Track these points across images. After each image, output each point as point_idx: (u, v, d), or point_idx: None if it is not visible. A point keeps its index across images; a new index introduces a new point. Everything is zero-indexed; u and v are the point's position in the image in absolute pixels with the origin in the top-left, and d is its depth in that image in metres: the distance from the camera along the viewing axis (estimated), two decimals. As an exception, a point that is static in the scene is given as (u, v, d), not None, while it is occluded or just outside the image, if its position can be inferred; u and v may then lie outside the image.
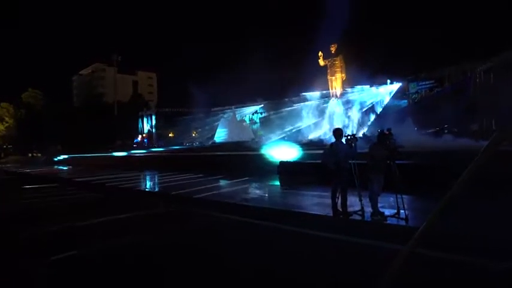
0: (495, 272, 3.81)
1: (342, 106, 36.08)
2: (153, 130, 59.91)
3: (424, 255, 3.67)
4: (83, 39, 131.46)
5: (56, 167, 32.77)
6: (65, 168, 30.33)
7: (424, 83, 42.69)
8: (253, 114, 53.92)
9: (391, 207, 6.49)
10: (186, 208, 8.63)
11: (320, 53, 34.88)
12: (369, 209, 6.48)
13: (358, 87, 38.19)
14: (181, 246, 5.46)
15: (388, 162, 6.39)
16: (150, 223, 7.23)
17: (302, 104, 41.30)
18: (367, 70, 35.62)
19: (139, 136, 60.18)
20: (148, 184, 15.59)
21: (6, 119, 63.16)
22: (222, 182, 14.08)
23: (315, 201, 8.44)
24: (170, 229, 6.57)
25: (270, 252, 4.95)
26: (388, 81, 39.54)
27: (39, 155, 54.81)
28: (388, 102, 40.16)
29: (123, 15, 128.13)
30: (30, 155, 56.28)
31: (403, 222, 5.86)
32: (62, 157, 40.49)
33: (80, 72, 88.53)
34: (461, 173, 1.47)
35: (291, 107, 42.33)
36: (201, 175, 15.62)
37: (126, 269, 4.49)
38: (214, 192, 10.81)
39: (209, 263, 4.61)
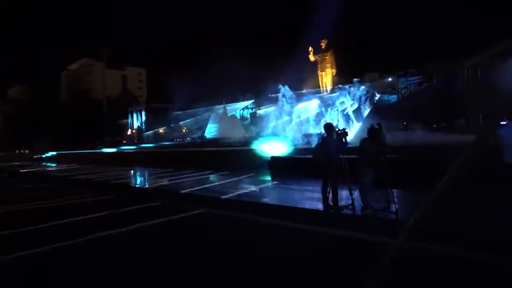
0: (484, 265, 3.91)
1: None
2: (143, 126, 59.36)
3: (416, 248, 3.75)
4: (71, 34, 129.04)
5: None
6: (52, 165, 29.92)
7: (413, 78, 43.12)
8: (243, 109, 53.82)
9: (382, 201, 6.58)
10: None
11: (310, 48, 35.01)
12: (359, 203, 6.57)
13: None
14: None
15: (378, 156, 6.47)
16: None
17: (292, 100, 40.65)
18: (356, 66, 35.78)
19: (129, 130, 59.62)
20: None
21: (-8, 114, 62.02)
22: (212, 178, 14.06)
23: (306, 196, 8.50)
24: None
25: (260, 246, 4.99)
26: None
27: (27, 151, 53.93)
28: (378, 98, 40.23)
29: (111, 8, 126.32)
30: (17, 151, 55.32)
31: (393, 216, 5.95)
32: (50, 154, 39.90)
33: (68, 68, 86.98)
34: (448, 168, 1.51)
35: (279, 103, 41.44)
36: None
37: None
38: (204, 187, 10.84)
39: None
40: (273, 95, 41.98)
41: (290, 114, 34.43)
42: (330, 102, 34.79)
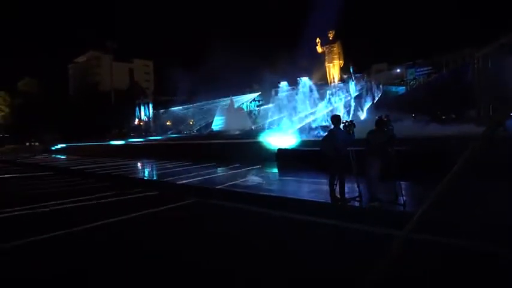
0: (489, 257, 3.89)
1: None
2: (150, 118, 59.77)
3: (422, 240, 3.75)
4: (78, 27, 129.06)
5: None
6: (62, 157, 30.26)
7: (421, 69, 42.59)
8: (250, 102, 53.78)
9: (389, 193, 6.55)
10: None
11: (318, 40, 34.56)
12: (367, 195, 6.54)
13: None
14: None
15: (386, 148, 6.42)
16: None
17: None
18: (364, 57, 35.32)
19: (137, 120, 60.31)
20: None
21: (2, 107, 62.77)
22: (219, 170, 14.11)
23: (313, 188, 8.49)
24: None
25: (269, 238, 5.02)
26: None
27: (37, 144, 54.65)
28: (386, 89, 39.74)
29: (118, 1, 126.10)
30: (27, 144, 56.09)
31: (401, 208, 5.92)
32: (59, 146, 40.39)
33: (76, 60, 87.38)
34: (457, 159, 1.50)
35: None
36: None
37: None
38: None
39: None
40: (276, 89, 42.02)
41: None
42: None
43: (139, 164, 18.66)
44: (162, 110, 59.07)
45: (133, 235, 5.48)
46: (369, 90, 35.56)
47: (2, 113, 62.73)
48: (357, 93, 35.09)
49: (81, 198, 8.45)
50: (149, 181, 12.24)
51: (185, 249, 4.69)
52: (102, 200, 8.25)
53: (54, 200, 8.23)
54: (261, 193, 8.19)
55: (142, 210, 6.88)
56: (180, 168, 14.54)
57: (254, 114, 50.26)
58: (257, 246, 4.68)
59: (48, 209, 7.31)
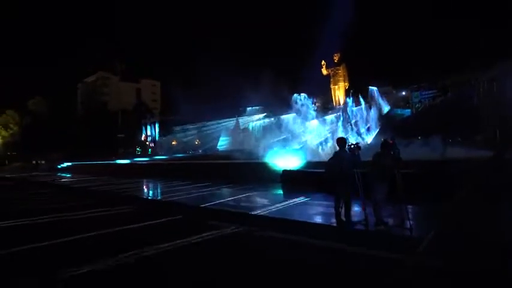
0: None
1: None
2: (157, 138, 60.25)
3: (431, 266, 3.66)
4: (88, 47, 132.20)
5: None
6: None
7: (426, 92, 42.76)
8: (255, 122, 53.96)
9: (396, 217, 6.44)
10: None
11: (323, 62, 34.98)
12: (372, 219, 6.43)
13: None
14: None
15: (392, 171, 6.35)
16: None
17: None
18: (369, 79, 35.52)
19: (143, 135, 61.07)
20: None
21: (11, 125, 63.85)
22: (224, 191, 14.04)
23: (319, 211, 8.39)
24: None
25: (272, 261, 4.92)
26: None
27: (43, 162, 55.06)
28: (391, 111, 39.85)
29: (126, 21, 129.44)
30: (34, 162, 56.56)
31: (408, 233, 5.80)
32: (65, 164, 40.64)
33: (84, 80, 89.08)
34: (464, 182, 1.48)
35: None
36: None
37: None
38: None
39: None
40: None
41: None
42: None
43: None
44: (168, 130, 59.51)
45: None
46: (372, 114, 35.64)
47: (11, 131, 63.70)
48: (362, 117, 35.11)
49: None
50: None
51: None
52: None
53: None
54: (265, 215, 8.10)
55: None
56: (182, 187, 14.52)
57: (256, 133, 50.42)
58: (261, 268, 4.59)
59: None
